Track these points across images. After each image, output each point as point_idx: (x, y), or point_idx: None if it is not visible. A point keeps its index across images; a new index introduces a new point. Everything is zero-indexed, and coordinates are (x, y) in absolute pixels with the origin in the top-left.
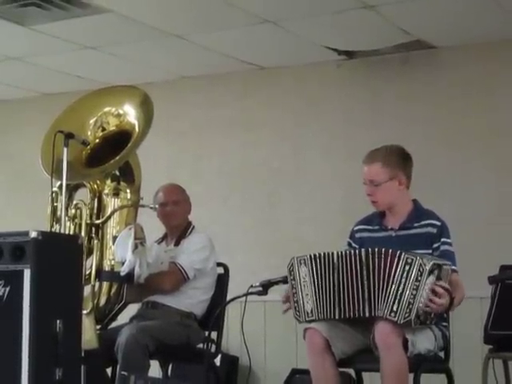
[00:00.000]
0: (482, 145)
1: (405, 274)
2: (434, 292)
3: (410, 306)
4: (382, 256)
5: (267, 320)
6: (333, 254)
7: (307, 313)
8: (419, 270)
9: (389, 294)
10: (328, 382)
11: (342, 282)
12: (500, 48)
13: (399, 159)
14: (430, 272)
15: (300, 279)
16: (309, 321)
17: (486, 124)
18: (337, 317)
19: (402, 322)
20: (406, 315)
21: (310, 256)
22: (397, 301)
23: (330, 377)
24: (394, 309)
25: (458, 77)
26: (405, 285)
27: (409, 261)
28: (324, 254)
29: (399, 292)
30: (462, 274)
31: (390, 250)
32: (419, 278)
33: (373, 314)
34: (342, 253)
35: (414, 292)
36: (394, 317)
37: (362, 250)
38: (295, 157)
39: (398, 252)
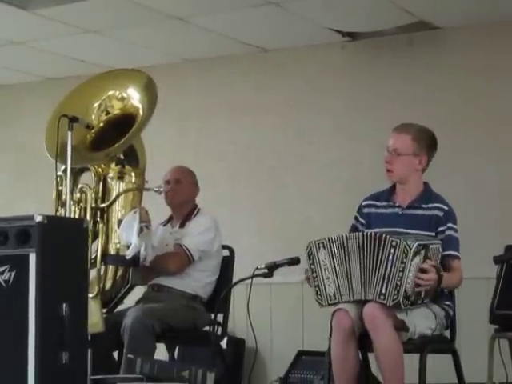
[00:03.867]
0: (485, 126)
1: (390, 257)
2: (421, 270)
3: (398, 288)
4: (372, 240)
5: (273, 302)
6: (343, 236)
7: (330, 296)
8: (404, 252)
9: (378, 276)
10: (348, 370)
11: (350, 264)
12: (505, 28)
13: (428, 141)
14: (415, 253)
15: (320, 263)
16: (332, 304)
17: (490, 105)
18: (351, 299)
19: (390, 304)
20: (394, 297)
21: (329, 239)
22: (385, 283)
23: (350, 365)
24: (383, 291)
25: (463, 58)
26: (391, 267)
27: (393, 244)
28: (338, 236)
29: (387, 274)
30: (468, 254)
31: (378, 234)
32: (404, 260)
33: (365, 298)
34: (349, 235)
35: (401, 274)
36: (384, 299)
37: (360, 233)
38: (299, 140)
39: (384, 235)
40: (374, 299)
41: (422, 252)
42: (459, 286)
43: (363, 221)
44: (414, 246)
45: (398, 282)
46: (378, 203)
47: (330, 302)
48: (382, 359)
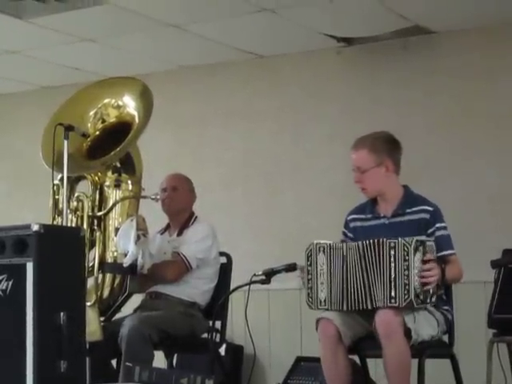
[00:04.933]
0: (482, 130)
1: (392, 259)
2: (423, 268)
3: (407, 287)
4: (372, 246)
5: (271, 308)
6: (343, 245)
7: (320, 301)
8: (404, 249)
9: (384, 282)
10: (340, 375)
11: (348, 274)
12: (500, 32)
13: (386, 145)
14: (415, 249)
15: (317, 266)
16: (321, 309)
17: (486, 109)
18: (345, 309)
19: (403, 304)
20: (406, 297)
21: (330, 245)
22: (393, 286)
23: (341, 369)
24: (393, 295)
25: (458, 62)
26: (396, 268)
27: (392, 245)
28: (340, 245)
29: (392, 277)
30: (465, 258)
31: (376, 240)
32: (407, 258)
33: (374, 306)
34: (348, 245)
35: (406, 272)
36: (395, 302)
37: (360, 242)
38: (296, 145)
39: (381, 240)
40: (385, 305)
41: (421, 248)
42: (461, 279)
43: (351, 235)
44: (413, 243)
45: (406, 281)
46: (363, 216)
47: (319, 307)
48: (391, 364)
